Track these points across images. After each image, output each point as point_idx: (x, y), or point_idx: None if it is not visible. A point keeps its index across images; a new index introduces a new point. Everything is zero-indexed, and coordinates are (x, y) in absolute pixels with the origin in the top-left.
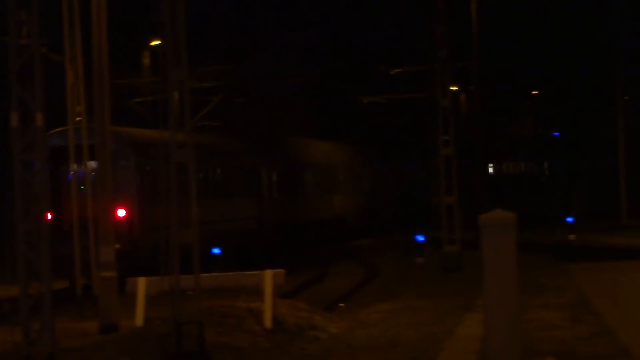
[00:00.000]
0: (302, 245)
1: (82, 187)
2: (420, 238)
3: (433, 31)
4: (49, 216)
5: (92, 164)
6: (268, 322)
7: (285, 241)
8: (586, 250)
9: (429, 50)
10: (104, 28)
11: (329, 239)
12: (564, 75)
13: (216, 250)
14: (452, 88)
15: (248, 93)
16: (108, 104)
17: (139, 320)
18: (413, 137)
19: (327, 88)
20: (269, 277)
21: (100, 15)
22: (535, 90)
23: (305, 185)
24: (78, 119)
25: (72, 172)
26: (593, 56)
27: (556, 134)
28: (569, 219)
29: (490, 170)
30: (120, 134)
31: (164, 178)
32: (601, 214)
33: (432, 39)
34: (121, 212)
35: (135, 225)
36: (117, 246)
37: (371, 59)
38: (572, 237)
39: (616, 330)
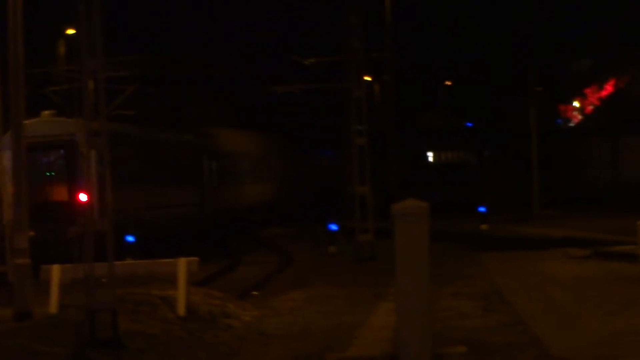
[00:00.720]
0: (240, 231)
1: None
2: (334, 227)
3: (347, 21)
4: None
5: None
6: (182, 310)
7: (224, 227)
8: (498, 239)
9: (343, 41)
10: (20, 16)
11: (250, 226)
12: (477, 66)
13: (130, 239)
14: (366, 78)
15: (162, 83)
16: (23, 93)
17: (53, 307)
18: (328, 127)
19: (242, 79)
20: (182, 266)
21: (17, 3)
22: (448, 80)
23: (239, 174)
24: None
25: None
26: (506, 47)
27: (469, 124)
28: (482, 209)
29: (430, 159)
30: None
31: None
32: (514, 204)
33: (346, 30)
34: (83, 197)
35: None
36: (32, 233)
37: (286, 49)
38: (484, 226)
39: (527, 319)
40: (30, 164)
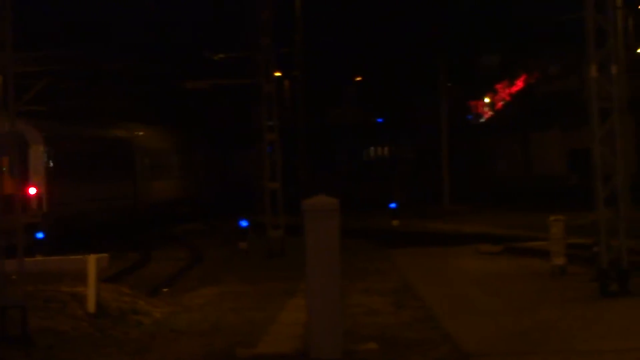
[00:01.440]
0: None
1: None
2: (244, 223)
3: (257, 18)
4: None
5: None
6: (91, 306)
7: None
8: (409, 235)
9: (253, 36)
10: None
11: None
12: (388, 61)
13: (40, 235)
14: (275, 74)
15: (73, 79)
16: None
17: None
18: (240, 123)
19: (150, 74)
20: (92, 262)
21: None
22: (359, 76)
23: (164, 169)
24: None
25: None
26: (417, 43)
27: (380, 120)
28: (392, 205)
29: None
30: (31, 126)
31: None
32: (425, 200)
33: (256, 25)
34: (32, 190)
35: (44, 201)
36: None
37: (195, 44)
38: (395, 222)
39: (438, 315)
40: None
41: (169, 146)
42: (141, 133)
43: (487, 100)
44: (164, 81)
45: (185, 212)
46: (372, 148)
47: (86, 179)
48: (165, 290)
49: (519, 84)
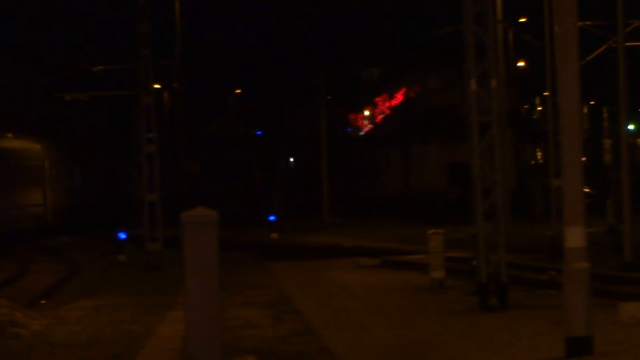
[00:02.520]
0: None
1: None
2: (123, 235)
3: (137, 29)
4: None
5: None
6: None
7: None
8: (288, 248)
9: (132, 48)
10: None
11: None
12: (268, 74)
13: None
14: (155, 86)
15: None
16: None
17: None
18: (120, 135)
19: (29, 85)
20: None
21: None
22: (238, 88)
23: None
24: None
25: None
26: (297, 56)
27: (259, 132)
28: (272, 218)
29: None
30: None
31: None
32: (305, 213)
33: (136, 37)
34: None
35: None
36: None
37: (75, 55)
38: (274, 235)
39: (317, 329)
40: None
41: (49, 157)
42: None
43: (366, 113)
44: (44, 92)
45: (62, 223)
46: (251, 160)
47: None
48: (43, 302)
49: (399, 97)
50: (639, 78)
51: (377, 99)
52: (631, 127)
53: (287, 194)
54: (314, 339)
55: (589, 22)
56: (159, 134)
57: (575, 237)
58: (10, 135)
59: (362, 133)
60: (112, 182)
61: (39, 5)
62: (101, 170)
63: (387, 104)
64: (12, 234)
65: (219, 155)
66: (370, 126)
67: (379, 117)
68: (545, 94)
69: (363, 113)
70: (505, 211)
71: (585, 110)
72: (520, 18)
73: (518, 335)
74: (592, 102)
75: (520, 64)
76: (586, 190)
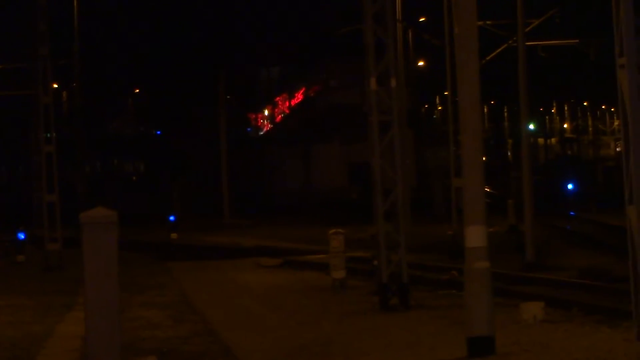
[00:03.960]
0: None
1: None
2: (21, 236)
3: (34, 27)
4: None
5: None
6: None
7: None
8: (188, 249)
9: (30, 47)
10: None
11: None
12: (167, 73)
13: None
14: (54, 85)
15: None
16: None
17: None
18: (18, 134)
19: None
20: None
21: None
22: (137, 88)
23: None
24: None
25: None
26: (197, 54)
27: (159, 132)
28: (171, 218)
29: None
30: None
31: None
32: (205, 213)
33: (34, 36)
34: None
35: None
36: None
37: None
38: (174, 235)
39: (218, 329)
40: None
41: None
42: None
43: (266, 112)
44: None
45: None
46: (151, 160)
47: None
48: None
49: (299, 96)
50: (539, 77)
51: (277, 99)
52: (531, 126)
53: (187, 194)
54: (216, 339)
55: (489, 22)
56: (57, 134)
57: (475, 236)
58: None
59: (262, 133)
60: (14, 181)
61: None
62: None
63: (287, 104)
64: None
65: (118, 155)
66: (270, 126)
67: (279, 117)
68: (445, 93)
69: (263, 112)
70: (405, 211)
71: (486, 109)
72: (420, 17)
73: (420, 335)
74: (493, 102)
75: (420, 63)
76: (487, 189)
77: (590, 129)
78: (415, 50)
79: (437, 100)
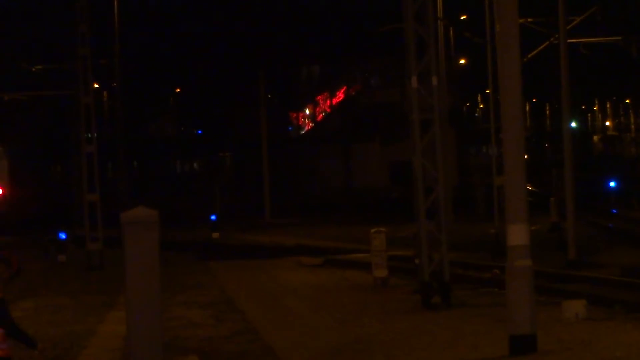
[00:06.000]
0: None
1: None
2: (63, 235)
3: (76, 29)
4: None
5: None
6: None
7: None
8: (230, 248)
9: (71, 47)
10: None
11: None
12: (207, 73)
13: None
14: (94, 85)
15: None
16: None
17: None
18: (59, 135)
19: None
20: None
21: None
22: (178, 88)
23: None
24: None
25: None
26: (237, 54)
27: (200, 132)
28: (213, 217)
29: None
30: None
31: None
32: (246, 212)
33: (74, 36)
34: None
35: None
36: None
37: (13, 54)
38: (215, 235)
39: (259, 328)
40: None
41: None
42: None
43: (307, 111)
44: None
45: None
46: (192, 160)
47: None
48: None
49: (340, 95)
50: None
51: (318, 97)
52: (573, 124)
53: (228, 193)
54: (257, 338)
55: (530, 19)
56: (98, 134)
57: (518, 234)
58: None
59: (303, 131)
60: (54, 181)
61: None
62: (42, 170)
63: (328, 102)
64: None
65: (159, 154)
66: (311, 124)
67: (320, 116)
68: (487, 91)
69: (304, 111)
70: (447, 209)
71: (528, 107)
72: (461, 15)
73: (462, 333)
74: (535, 99)
75: (462, 61)
76: (529, 187)
77: (633, 126)
78: (456, 48)
79: (479, 99)
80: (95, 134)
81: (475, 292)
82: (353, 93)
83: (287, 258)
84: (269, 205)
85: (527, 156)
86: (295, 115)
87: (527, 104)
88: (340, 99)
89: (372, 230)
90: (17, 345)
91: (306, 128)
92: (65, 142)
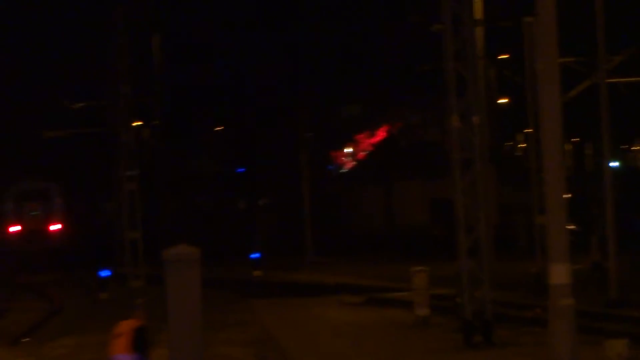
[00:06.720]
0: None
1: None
2: (105, 273)
3: (116, 67)
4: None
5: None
6: None
7: None
8: (271, 286)
9: (111, 85)
10: None
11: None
12: (249, 111)
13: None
14: (135, 123)
15: None
16: None
17: None
18: (101, 172)
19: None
20: None
21: None
22: (219, 126)
23: None
24: None
25: None
26: (278, 93)
27: (240, 170)
28: (254, 255)
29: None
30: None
31: None
32: (287, 251)
33: (114, 74)
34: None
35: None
36: None
37: (53, 92)
38: (258, 273)
39: None
40: None
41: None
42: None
43: (348, 150)
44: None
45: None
46: (234, 198)
47: None
48: (25, 340)
49: (381, 133)
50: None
51: (359, 136)
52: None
53: (269, 231)
54: None
55: (570, 59)
56: (140, 171)
57: (560, 273)
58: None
59: (343, 170)
60: (95, 219)
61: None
62: (82, 207)
63: (369, 141)
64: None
65: (200, 192)
66: (352, 163)
67: (361, 154)
68: (528, 130)
69: (344, 150)
70: (488, 248)
71: (569, 147)
72: (501, 54)
73: None
74: (575, 139)
75: (503, 100)
76: (570, 227)
77: None
78: (497, 86)
79: (520, 137)
80: (137, 172)
81: (517, 331)
82: (394, 131)
83: (328, 296)
84: (310, 243)
85: (568, 195)
86: (335, 153)
87: (569, 143)
88: (381, 137)
89: (414, 269)
90: None
91: (347, 166)
92: (106, 179)
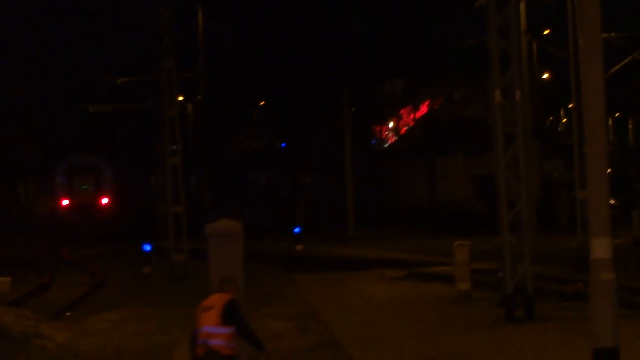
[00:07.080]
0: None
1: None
2: (147, 247)
3: (160, 42)
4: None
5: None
6: None
7: None
8: (313, 260)
9: (155, 60)
10: None
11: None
12: (291, 86)
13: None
14: (179, 98)
15: None
16: None
17: None
18: (144, 147)
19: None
20: None
21: None
22: (262, 101)
23: None
24: None
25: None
26: (319, 67)
27: (283, 144)
28: (297, 230)
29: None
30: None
31: None
32: (330, 225)
33: (158, 49)
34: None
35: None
36: None
37: (98, 67)
38: (299, 247)
39: (343, 340)
40: None
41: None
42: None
43: (391, 125)
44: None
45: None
46: (276, 172)
47: None
48: (68, 314)
49: (423, 109)
50: None
51: (401, 111)
52: None
53: (311, 206)
54: (340, 350)
55: (613, 34)
56: (183, 146)
57: (601, 248)
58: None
59: (386, 145)
60: (138, 193)
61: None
62: (126, 182)
63: (412, 116)
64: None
65: (243, 167)
66: (394, 138)
67: (404, 129)
68: (570, 106)
69: (387, 125)
70: (530, 223)
71: (611, 122)
72: (544, 30)
73: (545, 346)
74: (618, 114)
75: (545, 75)
76: (612, 202)
77: None
78: (539, 62)
79: (562, 113)
80: (180, 146)
81: (558, 305)
82: (436, 107)
83: (370, 270)
84: (352, 218)
85: (610, 170)
86: (378, 128)
87: (610, 119)
88: (424, 112)
89: (456, 243)
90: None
91: (389, 141)
92: (151, 154)
